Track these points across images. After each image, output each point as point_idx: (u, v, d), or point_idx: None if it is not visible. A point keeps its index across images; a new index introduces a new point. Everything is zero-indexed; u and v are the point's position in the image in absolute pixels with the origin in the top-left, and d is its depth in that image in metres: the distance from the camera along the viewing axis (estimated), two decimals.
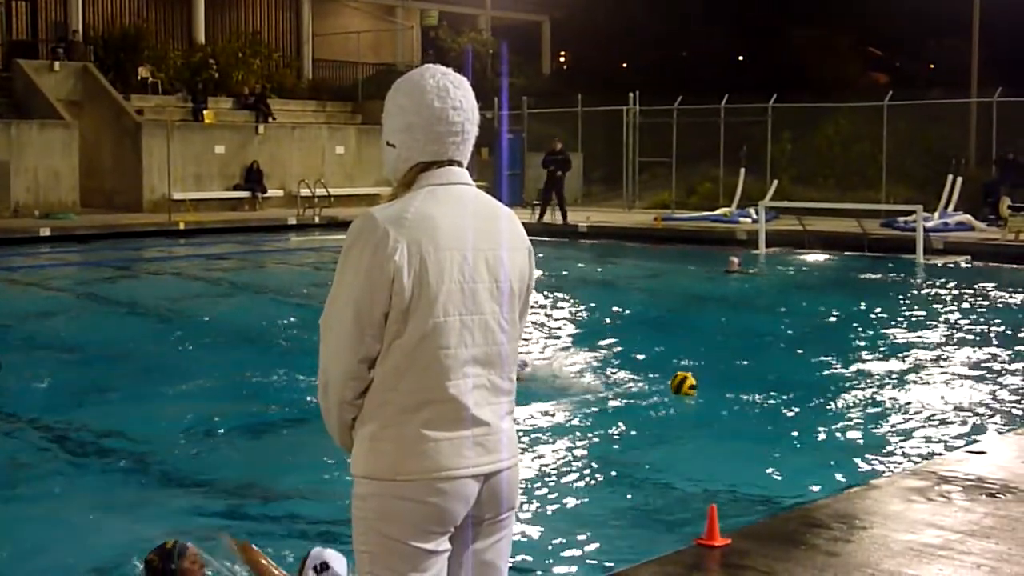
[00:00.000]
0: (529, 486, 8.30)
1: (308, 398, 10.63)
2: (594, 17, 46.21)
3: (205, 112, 35.37)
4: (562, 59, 53.55)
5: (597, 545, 7.33)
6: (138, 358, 13.50)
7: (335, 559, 6.19)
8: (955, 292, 19.19)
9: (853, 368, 12.85)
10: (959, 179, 28.45)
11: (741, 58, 47.78)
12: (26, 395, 11.44)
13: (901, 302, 18.25)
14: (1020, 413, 10.86)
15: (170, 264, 24.37)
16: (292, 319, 15.84)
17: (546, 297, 18.25)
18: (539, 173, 34.85)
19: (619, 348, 13.93)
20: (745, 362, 13.28)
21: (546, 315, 16.66)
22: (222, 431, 10.22)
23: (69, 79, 33.81)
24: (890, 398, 11.41)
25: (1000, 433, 9.75)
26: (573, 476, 8.78)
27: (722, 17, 44.98)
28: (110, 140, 33.42)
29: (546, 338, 14.77)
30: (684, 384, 11.25)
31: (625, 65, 47.53)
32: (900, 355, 13.66)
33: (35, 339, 14.64)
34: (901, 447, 9.68)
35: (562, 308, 17.46)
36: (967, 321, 16.21)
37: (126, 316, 17.09)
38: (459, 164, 3.47)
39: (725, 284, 20.52)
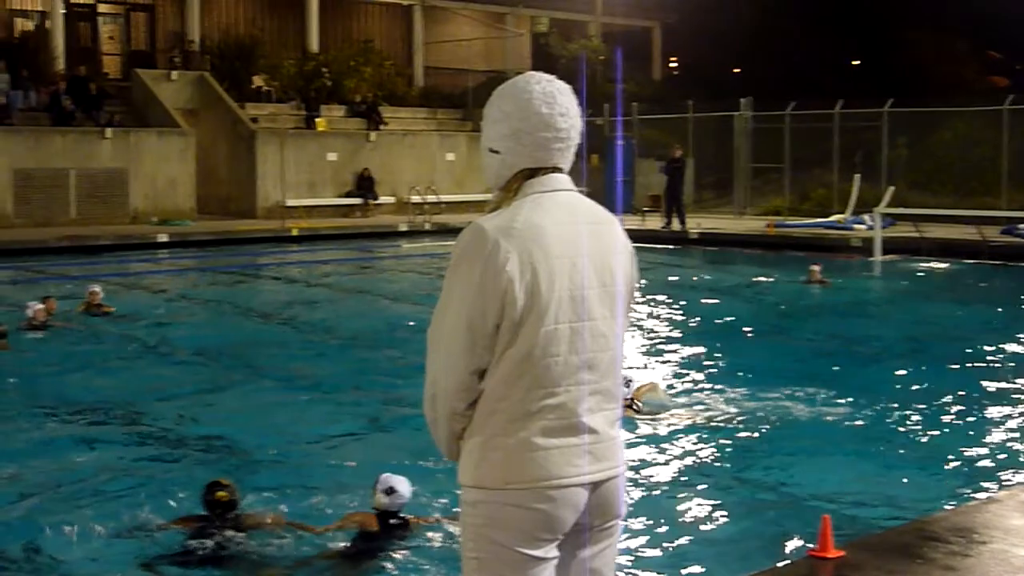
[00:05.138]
0: (638, 496, 8.24)
1: (417, 401, 10.65)
2: (705, 22, 45.89)
3: (318, 120, 35.83)
4: (673, 65, 53.28)
5: (707, 556, 7.25)
6: (250, 361, 13.70)
7: (398, 481, 7.31)
8: None
9: (970, 379, 12.53)
10: None
11: (856, 62, 47.12)
12: (141, 395, 11.66)
13: (1020, 312, 17.81)
14: None
15: (283, 270, 24.69)
16: (403, 325, 15.92)
17: (650, 304, 18.14)
18: (649, 180, 34.70)
19: (725, 356, 13.79)
20: (856, 372, 13.07)
21: (648, 323, 16.55)
22: (331, 434, 10.31)
23: (186, 88, 34.48)
24: (1008, 410, 11.12)
25: None
26: (682, 485, 8.70)
27: (835, 21, 44.38)
28: (225, 148, 34.02)
29: (650, 347, 14.66)
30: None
31: (737, 70, 47.15)
32: (1019, 367, 13.33)
33: (152, 341, 14.92)
34: (1021, 460, 9.44)
35: (666, 316, 17.33)
36: None
37: (240, 320, 17.35)
38: (562, 171, 3.45)
39: (826, 294, 20.08)
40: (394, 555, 7.15)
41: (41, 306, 15.17)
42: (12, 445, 9.81)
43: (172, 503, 8.05)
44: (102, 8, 38.38)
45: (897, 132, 33.07)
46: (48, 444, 9.83)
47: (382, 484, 7.35)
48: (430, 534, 7.40)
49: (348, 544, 7.27)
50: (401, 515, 7.38)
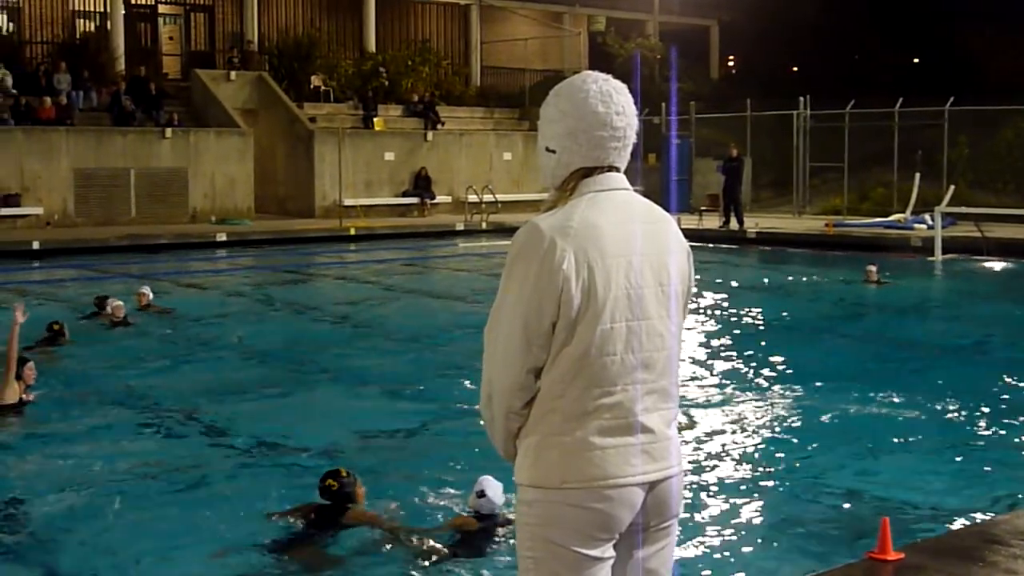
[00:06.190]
0: (695, 496, 8.20)
1: (473, 399, 10.65)
2: (763, 21, 45.59)
3: (375, 119, 35.96)
4: (731, 63, 53.02)
5: (764, 557, 7.21)
6: (307, 359, 13.76)
7: (491, 486, 7.36)
8: None
9: None
10: None
11: (916, 60, 46.66)
12: (196, 393, 11.74)
13: None
14: None
15: (341, 269, 24.81)
16: (459, 324, 15.95)
17: (707, 304, 18.06)
18: (707, 179, 34.54)
19: (781, 356, 13.69)
20: (914, 373, 12.95)
21: (705, 322, 16.48)
22: (386, 432, 10.34)
23: (245, 88, 34.72)
24: None
25: None
26: (739, 486, 8.65)
27: (895, 18, 43.95)
28: (284, 147, 34.22)
29: (706, 346, 14.59)
30: None
31: (795, 69, 46.84)
32: None
33: (210, 340, 15.04)
34: None
35: (723, 315, 17.24)
36: None
37: (297, 319, 17.45)
38: (617, 170, 3.44)
39: (883, 294, 19.84)
40: (487, 556, 7.14)
41: (119, 303, 15.32)
42: (93, 439, 9.96)
43: (240, 500, 8.12)
44: (162, 9, 38.75)
45: (958, 130, 32.70)
46: (126, 440, 9.97)
47: (476, 486, 7.45)
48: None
49: (445, 544, 7.27)
50: (500, 516, 7.41)
